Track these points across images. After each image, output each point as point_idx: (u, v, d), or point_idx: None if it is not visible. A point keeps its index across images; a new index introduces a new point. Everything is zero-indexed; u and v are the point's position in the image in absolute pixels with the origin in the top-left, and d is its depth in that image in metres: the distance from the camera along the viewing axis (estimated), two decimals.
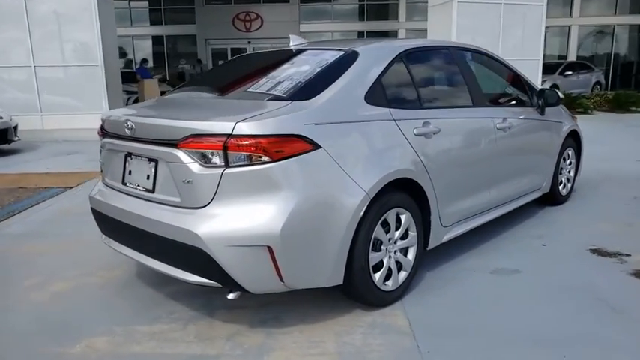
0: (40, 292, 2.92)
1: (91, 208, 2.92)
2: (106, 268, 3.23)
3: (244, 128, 2.16)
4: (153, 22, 24.16)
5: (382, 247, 2.59)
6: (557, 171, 4.30)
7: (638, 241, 3.58)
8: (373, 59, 2.82)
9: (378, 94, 2.68)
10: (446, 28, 11.00)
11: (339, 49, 2.87)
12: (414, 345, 2.31)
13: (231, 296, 2.33)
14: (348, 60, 2.74)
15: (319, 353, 2.26)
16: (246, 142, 2.16)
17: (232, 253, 2.17)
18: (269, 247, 2.18)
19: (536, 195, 4.09)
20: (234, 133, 2.15)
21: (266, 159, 2.17)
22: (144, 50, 24.17)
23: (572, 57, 21.91)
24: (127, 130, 2.53)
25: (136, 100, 13.54)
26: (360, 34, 23.36)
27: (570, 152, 4.54)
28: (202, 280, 2.30)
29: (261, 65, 3.33)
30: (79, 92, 9.99)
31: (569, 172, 4.58)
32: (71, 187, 5.54)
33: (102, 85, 9.94)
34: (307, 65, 2.78)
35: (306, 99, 2.44)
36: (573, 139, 4.54)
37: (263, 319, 2.56)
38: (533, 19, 11.36)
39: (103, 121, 2.86)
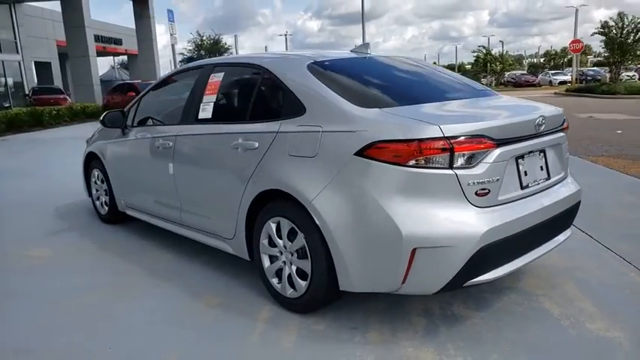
0: None
1: (488, 246, 2.33)
2: None
3: None
4: None
5: None
6: None
7: None
8: None
9: None
10: None
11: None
12: None
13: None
14: None
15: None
16: None
17: None
18: None
19: None
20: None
21: None
22: None
23: None
24: (535, 127, 2.66)
25: None
26: None
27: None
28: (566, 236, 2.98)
29: (416, 70, 3.42)
30: None
31: None
32: None
33: None
34: (439, 69, 3.63)
35: None
36: None
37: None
38: None
39: (491, 128, 2.43)
